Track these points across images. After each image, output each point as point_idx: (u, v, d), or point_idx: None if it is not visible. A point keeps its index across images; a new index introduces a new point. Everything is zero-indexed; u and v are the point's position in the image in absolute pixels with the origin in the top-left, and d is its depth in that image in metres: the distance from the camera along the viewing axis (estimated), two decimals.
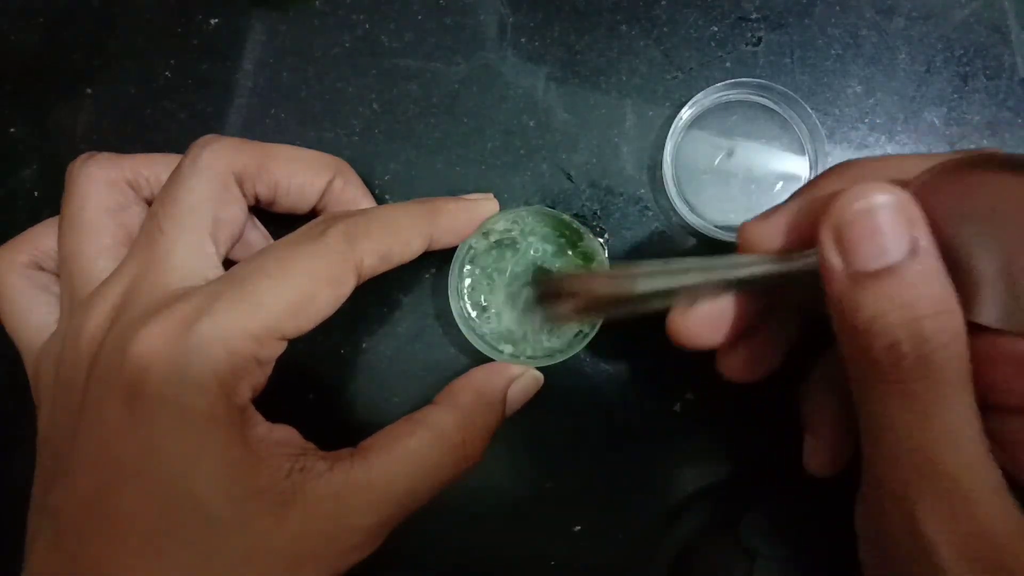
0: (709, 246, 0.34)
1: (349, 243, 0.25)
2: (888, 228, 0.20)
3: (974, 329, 0.20)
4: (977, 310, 0.20)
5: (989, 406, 0.20)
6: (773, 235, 0.24)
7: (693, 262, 0.24)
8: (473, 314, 0.32)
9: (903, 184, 0.21)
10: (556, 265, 0.32)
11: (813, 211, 0.22)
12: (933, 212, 0.20)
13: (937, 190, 0.21)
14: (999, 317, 0.20)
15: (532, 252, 0.32)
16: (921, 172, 0.21)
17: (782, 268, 0.23)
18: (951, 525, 0.19)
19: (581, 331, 0.31)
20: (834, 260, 0.20)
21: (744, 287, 0.24)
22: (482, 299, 0.32)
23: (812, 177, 0.33)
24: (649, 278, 0.24)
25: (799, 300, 0.26)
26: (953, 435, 0.19)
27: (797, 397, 0.29)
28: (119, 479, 0.22)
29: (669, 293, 0.24)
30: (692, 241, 0.34)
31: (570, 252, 0.32)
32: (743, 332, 0.26)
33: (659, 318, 0.26)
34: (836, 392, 0.27)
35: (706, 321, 0.25)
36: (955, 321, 0.19)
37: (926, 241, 0.20)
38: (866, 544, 0.22)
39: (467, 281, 0.32)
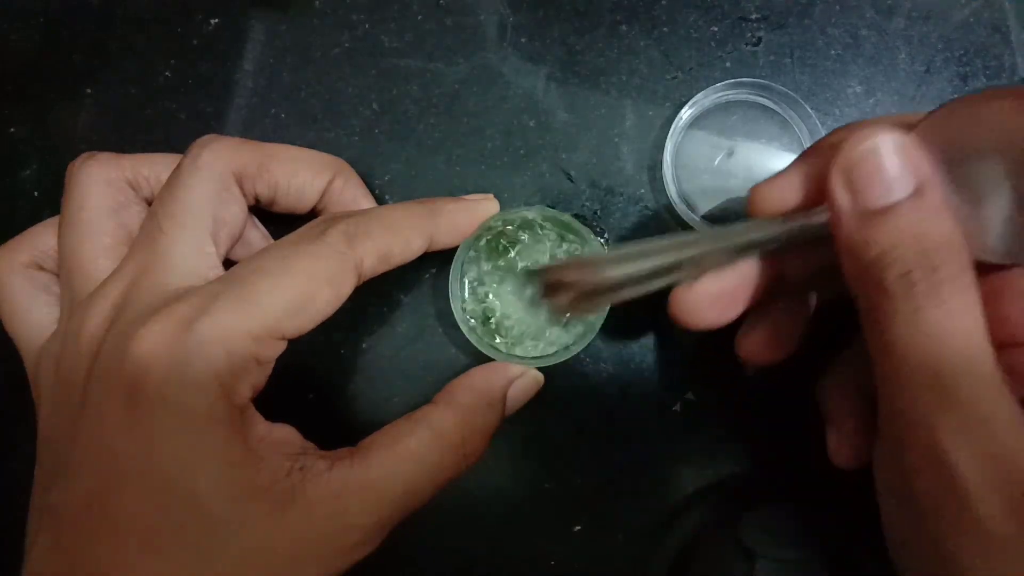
0: None
1: (349, 243, 0.25)
2: (894, 167, 0.21)
3: (981, 268, 0.21)
4: (984, 248, 0.21)
5: (1000, 343, 0.20)
6: (784, 195, 0.24)
7: (697, 234, 0.24)
8: (473, 314, 0.32)
9: (910, 126, 0.22)
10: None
11: (821, 166, 0.23)
12: (938, 151, 0.21)
13: (942, 129, 0.21)
14: (1007, 252, 0.21)
15: (532, 252, 0.32)
16: (926, 114, 0.22)
17: (790, 228, 0.23)
18: (973, 447, 0.19)
19: (580, 332, 0.31)
20: (843, 200, 0.21)
21: (752, 252, 0.24)
22: (482, 299, 0.32)
23: None
24: (647, 257, 0.23)
25: (806, 271, 0.26)
26: (972, 366, 0.20)
27: (815, 392, 0.29)
28: (119, 479, 0.22)
29: (672, 269, 0.24)
30: None
31: (570, 252, 0.32)
32: (748, 310, 0.26)
33: (663, 313, 0.26)
34: (856, 386, 0.27)
35: (710, 298, 0.25)
36: (963, 254, 0.20)
37: (932, 179, 0.21)
38: (885, 484, 0.22)
39: (467, 281, 0.32)
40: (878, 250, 0.20)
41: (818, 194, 0.23)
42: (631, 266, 0.23)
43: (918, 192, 0.20)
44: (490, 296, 0.32)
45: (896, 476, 0.22)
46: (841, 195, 0.21)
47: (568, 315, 0.30)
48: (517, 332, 0.32)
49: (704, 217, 0.33)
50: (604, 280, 0.24)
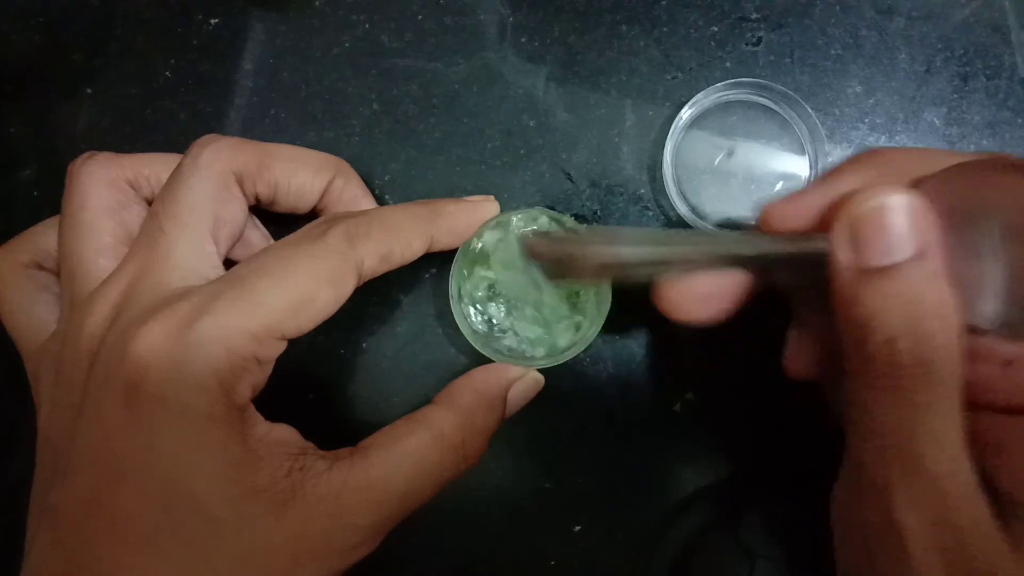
0: None
1: (350, 244, 0.25)
2: (899, 228, 0.20)
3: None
4: (974, 313, 0.21)
5: (968, 403, 0.21)
6: (795, 218, 0.24)
7: (698, 234, 0.24)
8: (473, 315, 0.32)
9: (917, 181, 0.21)
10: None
11: (835, 201, 0.23)
12: (942, 213, 0.21)
13: (948, 191, 0.21)
14: (994, 320, 0.21)
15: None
16: (935, 172, 0.21)
17: (793, 249, 0.23)
18: (925, 514, 0.20)
19: (581, 333, 0.31)
20: (844, 253, 0.21)
21: (749, 264, 0.24)
22: (482, 300, 0.32)
23: (812, 178, 0.33)
24: (644, 245, 0.24)
25: (795, 284, 0.26)
26: (940, 437, 0.20)
27: (826, 400, 0.28)
28: (119, 478, 0.22)
29: (666, 263, 0.24)
30: None
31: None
32: (732, 311, 0.26)
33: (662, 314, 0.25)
34: None
35: (697, 296, 0.25)
36: (953, 325, 0.20)
37: (934, 244, 0.20)
38: (839, 525, 0.23)
39: (467, 282, 0.32)
40: (868, 310, 0.20)
41: (826, 225, 0.23)
42: (625, 249, 0.23)
43: (919, 256, 0.20)
44: (490, 297, 0.32)
45: (848, 518, 0.22)
46: (842, 249, 0.21)
47: (557, 283, 0.30)
48: (516, 332, 0.32)
49: (702, 216, 0.33)
50: (596, 258, 0.24)
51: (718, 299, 0.25)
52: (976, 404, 0.20)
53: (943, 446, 0.20)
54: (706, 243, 0.24)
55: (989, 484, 0.20)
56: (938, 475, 0.20)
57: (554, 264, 0.25)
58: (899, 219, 0.20)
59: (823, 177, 0.24)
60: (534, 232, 0.25)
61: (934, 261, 0.20)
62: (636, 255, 0.24)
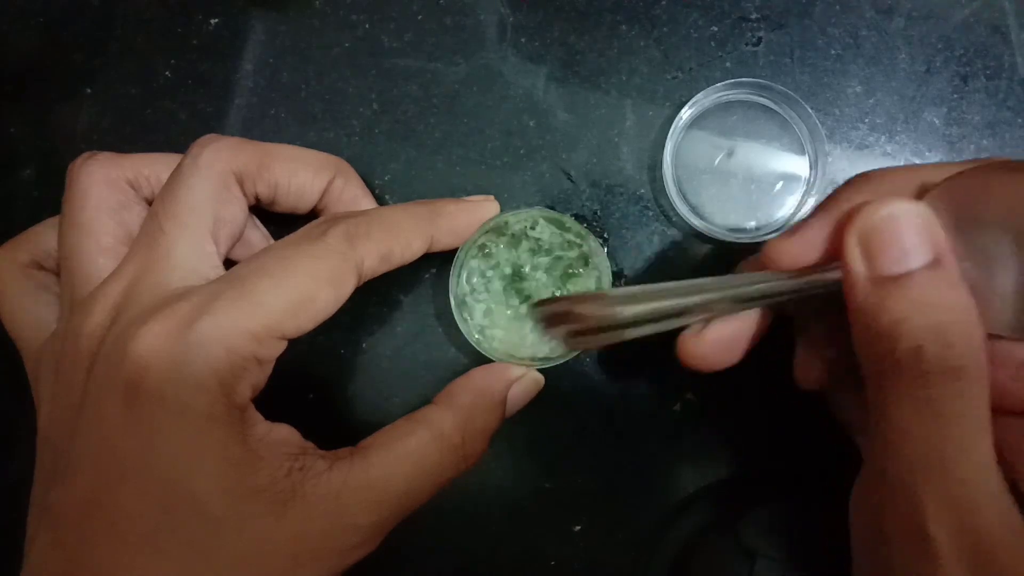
0: (709, 245, 0.34)
1: (350, 244, 0.26)
2: (912, 235, 0.21)
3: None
4: (994, 320, 0.21)
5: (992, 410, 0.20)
6: (801, 255, 0.24)
7: (708, 280, 0.24)
8: (473, 315, 0.32)
9: (922, 191, 0.21)
10: (555, 273, 0.32)
11: (838, 226, 0.23)
12: (951, 217, 0.21)
13: (955, 196, 0.21)
14: (1008, 325, 0.21)
15: (532, 253, 0.32)
16: (937, 183, 0.21)
17: (802, 284, 0.23)
18: (956, 527, 0.19)
19: None
20: (858, 266, 0.21)
21: (761, 303, 0.24)
22: (482, 300, 0.32)
23: (812, 177, 0.33)
24: (656, 299, 0.23)
25: (807, 315, 0.26)
26: (969, 445, 0.20)
27: (827, 403, 0.28)
28: (118, 478, 0.22)
29: (680, 313, 0.24)
30: (692, 241, 0.34)
31: (569, 253, 0.32)
32: (751, 349, 0.26)
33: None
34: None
35: (718, 343, 0.25)
36: (976, 330, 0.20)
37: (948, 251, 0.20)
38: (859, 531, 0.23)
39: (467, 282, 0.32)
40: (891, 319, 0.20)
41: (834, 253, 0.23)
42: (640, 307, 0.23)
43: (935, 263, 0.20)
44: (489, 296, 0.32)
45: (871, 529, 0.22)
46: (856, 260, 0.21)
47: (572, 347, 0.29)
48: (516, 333, 0.32)
49: (703, 218, 0.33)
50: (614, 317, 0.23)
51: (740, 341, 0.25)
52: (993, 409, 0.20)
53: (973, 454, 0.20)
54: (717, 291, 0.24)
55: (1010, 489, 0.20)
56: (968, 483, 0.19)
57: (562, 330, 0.24)
58: (909, 226, 0.20)
59: (820, 207, 0.24)
60: (540, 301, 0.25)
61: (949, 267, 0.20)
62: (636, 313, 0.23)
